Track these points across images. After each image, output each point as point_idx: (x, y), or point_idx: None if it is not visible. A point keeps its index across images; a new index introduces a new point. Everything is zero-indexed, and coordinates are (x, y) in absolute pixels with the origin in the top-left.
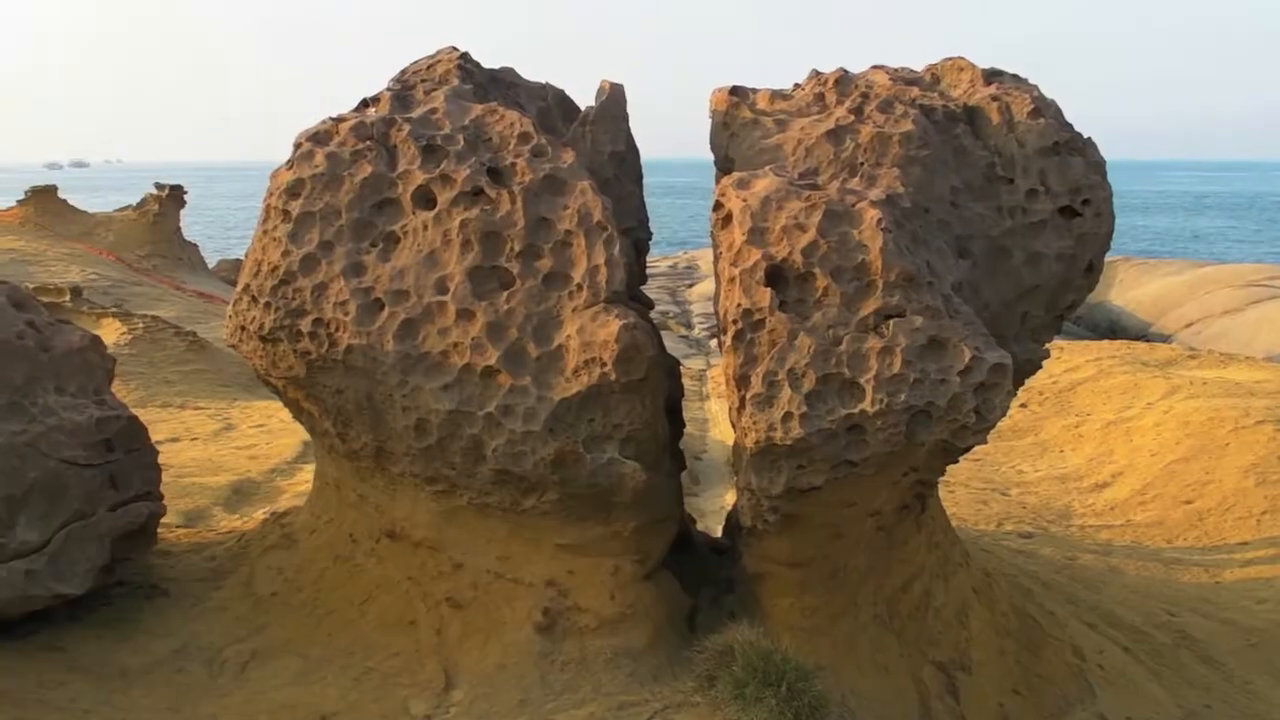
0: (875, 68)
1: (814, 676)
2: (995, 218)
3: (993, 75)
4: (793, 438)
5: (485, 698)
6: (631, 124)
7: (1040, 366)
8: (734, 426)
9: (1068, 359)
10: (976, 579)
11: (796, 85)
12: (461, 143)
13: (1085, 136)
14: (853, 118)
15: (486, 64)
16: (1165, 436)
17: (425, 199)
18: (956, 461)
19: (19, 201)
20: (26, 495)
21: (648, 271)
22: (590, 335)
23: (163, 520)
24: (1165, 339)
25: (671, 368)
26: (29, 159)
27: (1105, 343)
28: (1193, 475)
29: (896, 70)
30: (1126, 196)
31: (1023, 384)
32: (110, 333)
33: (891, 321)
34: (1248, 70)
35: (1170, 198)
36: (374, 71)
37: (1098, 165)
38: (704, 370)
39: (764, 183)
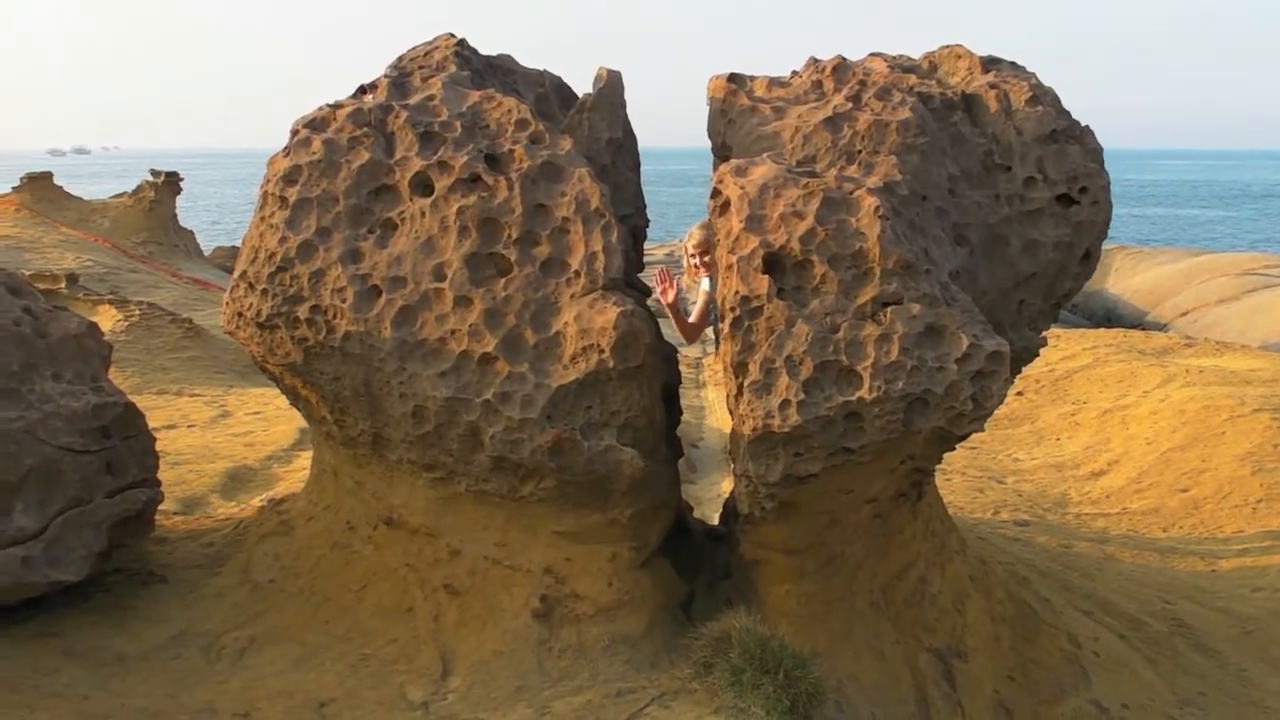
0: (873, 55)
1: (810, 663)
2: (993, 205)
3: (990, 63)
4: (790, 425)
5: (482, 684)
6: (629, 111)
7: (1037, 354)
8: (731, 414)
9: (1064, 347)
10: (973, 566)
11: (794, 73)
12: (459, 129)
13: (1083, 124)
14: (850, 105)
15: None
16: (1161, 424)
17: (423, 185)
18: (953, 449)
19: (14, 188)
20: (23, 481)
21: (645, 259)
22: (588, 322)
23: (159, 507)
24: (1161, 327)
25: (668, 355)
26: (33, 145)
27: (1101, 331)
28: (1189, 463)
29: (894, 58)
30: (1122, 185)
31: (1020, 372)
32: (106, 319)
33: (889, 309)
34: (1244, 62)
35: (1166, 186)
36: (377, 61)
37: (1095, 153)
38: (700, 358)
39: (762, 170)
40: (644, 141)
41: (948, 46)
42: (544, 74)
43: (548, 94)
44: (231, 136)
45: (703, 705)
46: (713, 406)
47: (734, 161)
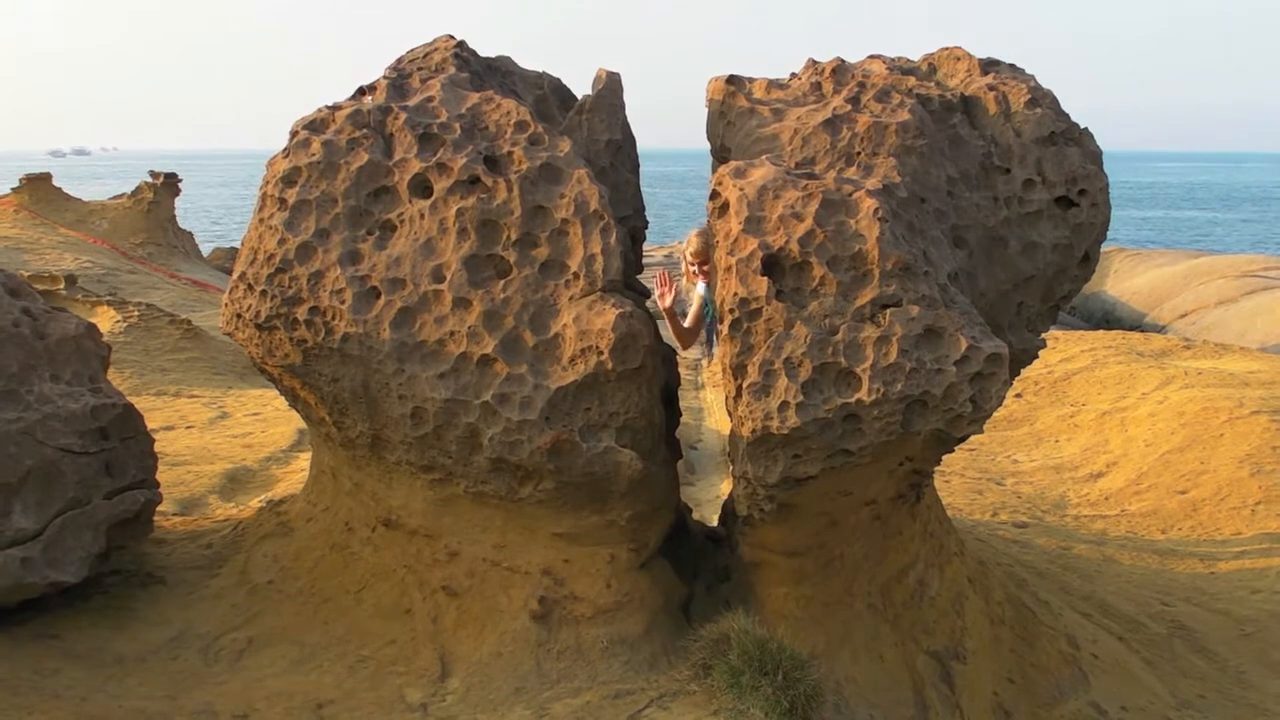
0: (872, 57)
1: (809, 665)
2: (991, 207)
3: (989, 65)
4: (789, 427)
5: (481, 686)
6: (628, 113)
7: (1036, 356)
8: (730, 415)
9: (1063, 349)
10: (971, 568)
11: (793, 75)
12: (458, 131)
13: (1082, 126)
14: (849, 107)
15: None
16: (1160, 426)
17: (422, 187)
18: (952, 451)
19: (13, 189)
20: (22, 483)
21: (644, 260)
22: (587, 324)
23: (158, 508)
24: (1160, 329)
25: (667, 356)
26: (33, 146)
27: (1100, 333)
28: (1187, 465)
29: (893, 60)
30: (1121, 187)
31: (1018, 374)
32: (105, 321)
33: (888, 311)
34: (1244, 63)
35: (1165, 188)
36: (377, 61)
37: (1094, 155)
38: (699, 359)
39: (761, 172)
40: (643, 143)
41: (946, 49)
42: (543, 76)
43: (547, 96)
44: (231, 138)
45: (701, 707)
46: (711, 408)
47: (733, 163)
